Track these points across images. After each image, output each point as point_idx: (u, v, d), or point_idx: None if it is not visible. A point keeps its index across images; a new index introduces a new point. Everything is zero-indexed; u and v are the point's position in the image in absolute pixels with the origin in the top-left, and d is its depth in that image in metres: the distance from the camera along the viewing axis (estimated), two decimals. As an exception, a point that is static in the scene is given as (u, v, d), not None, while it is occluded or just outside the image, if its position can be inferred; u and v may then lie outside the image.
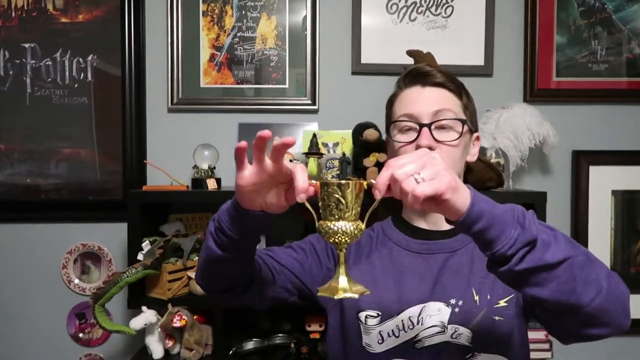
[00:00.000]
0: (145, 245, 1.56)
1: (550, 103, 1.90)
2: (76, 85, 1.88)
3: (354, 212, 0.68)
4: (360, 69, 1.87)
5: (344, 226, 0.68)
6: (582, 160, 1.91)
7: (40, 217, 1.88)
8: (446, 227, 1.04)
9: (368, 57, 1.87)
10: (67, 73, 1.88)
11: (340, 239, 0.68)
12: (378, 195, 0.65)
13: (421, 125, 0.99)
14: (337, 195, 0.67)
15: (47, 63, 1.88)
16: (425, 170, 0.64)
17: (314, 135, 1.67)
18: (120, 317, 1.87)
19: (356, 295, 0.68)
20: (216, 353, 1.60)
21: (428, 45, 1.79)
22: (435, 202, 0.66)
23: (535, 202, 1.58)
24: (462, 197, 0.67)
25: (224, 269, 0.86)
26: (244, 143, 0.67)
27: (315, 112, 1.87)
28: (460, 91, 1.05)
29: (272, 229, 0.80)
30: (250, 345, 1.60)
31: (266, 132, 0.64)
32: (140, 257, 1.55)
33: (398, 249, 1.04)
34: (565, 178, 1.93)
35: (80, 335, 1.90)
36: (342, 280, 0.69)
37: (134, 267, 1.50)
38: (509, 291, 0.94)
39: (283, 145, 0.65)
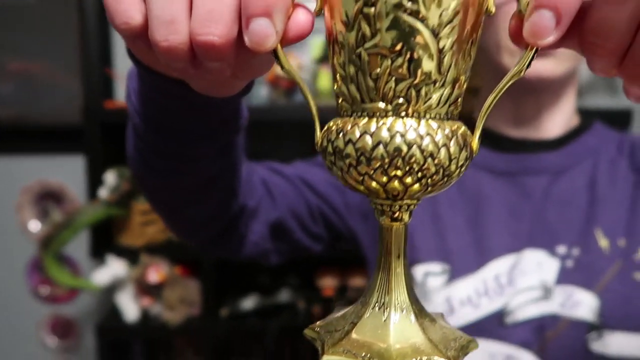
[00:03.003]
0: (109, 177, 1.20)
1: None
2: (18, -23, 1.46)
3: (450, 87, 0.24)
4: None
5: (419, 132, 0.23)
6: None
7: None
8: (549, 134, 0.66)
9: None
10: (5, -41, 1.45)
11: (396, 180, 0.24)
12: (548, 32, 0.22)
13: None
14: (405, 12, 0.22)
15: (-22, -54, 1.45)
16: None
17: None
18: (88, 267, 1.53)
19: None
20: (205, 313, 1.27)
21: None
22: None
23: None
24: None
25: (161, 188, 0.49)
26: None
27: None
28: None
29: (238, 129, 0.41)
30: (247, 303, 1.29)
31: None
32: (102, 193, 1.19)
33: (473, 170, 0.67)
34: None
35: (42, 290, 1.57)
36: (395, 321, 0.25)
37: (93, 206, 1.14)
38: None
39: None
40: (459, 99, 0.25)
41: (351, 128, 0.24)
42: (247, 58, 0.26)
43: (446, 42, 0.23)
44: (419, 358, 0.24)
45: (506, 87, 0.24)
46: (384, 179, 0.24)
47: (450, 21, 0.22)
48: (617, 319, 0.57)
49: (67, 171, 1.51)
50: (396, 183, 0.24)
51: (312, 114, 0.26)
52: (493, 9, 0.24)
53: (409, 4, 0.22)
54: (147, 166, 0.45)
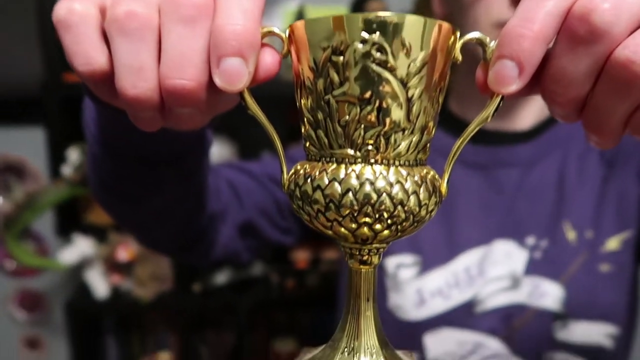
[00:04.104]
0: (72, 154, 1.15)
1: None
2: None
3: (418, 133, 0.24)
4: None
5: (389, 179, 0.23)
6: None
7: None
8: (522, 125, 0.66)
9: None
10: None
11: (366, 226, 0.23)
12: (511, 82, 0.22)
13: None
14: (374, 63, 0.21)
15: None
16: None
17: (300, 15, 1.29)
18: (53, 243, 1.49)
19: None
20: (177, 289, 1.27)
21: None
22: None
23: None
24: None
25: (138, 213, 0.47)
26: None
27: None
28: None
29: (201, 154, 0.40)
30: (220, 278, 1.28)
31: None
32: (66, 170, 1.15)
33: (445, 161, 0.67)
34: None
35: (8, 264, 1.53)
36: None
37: (57, 186, 1.10)
38: (624, 224, 0.60)
39: None
40: (428, 145, 0.24)
41: (319, 174, 0.23)
42: (215, 99, 0.25)
43: (415, 92, 0.22)
44: None
45: (473, 132, 0.24)
46: (353, 225, 0.23)
47: (419, 71, 0.22)
48: (581, 309, 0.59)
49: (27, 144, 1.45)
50: (365, 229, 0.23)
51: (279, 156, 0.25)
52: (460, 57, 0.23)
53: (377, 54, 0.21)
54: (111, 192, 0.43)
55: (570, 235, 0.61)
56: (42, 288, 1.54)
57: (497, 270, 0.61)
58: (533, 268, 0.60)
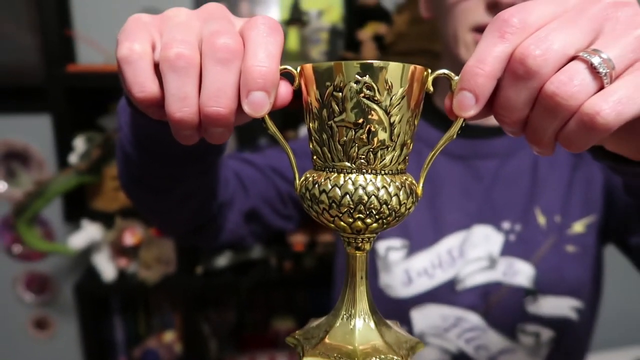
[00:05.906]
0: (79, 143, 1.21)
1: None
2: None
3: (399, 149, 0.30)
4: None
5: (376, 185, 0.29)
6: None
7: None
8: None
9: None
10: None
11: (359, 220, 0.30)
12: (470, 108, 0.28)
13: None
14: (365, 97, 0.28)
15: None
16: (610, 38, 0.27)
17: (295, 5, 1.34)
18: (61, 229, 1.55)
19: None
20: (181, 271, 1.34)
21: None
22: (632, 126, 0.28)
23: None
24: None
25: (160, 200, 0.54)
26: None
27: (293, -32, 1.44)
28: None
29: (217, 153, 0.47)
30: (221, 261, 1.35)
31: None
32: (72, 159, 1.21)
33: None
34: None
35: (15, 248, 1.59)
36: (359, 328, 0.31)
37: (65, 174, 1.16)
38: (589, 209, 0.67)
39: None
40: (407, 157, 0.31)
41: (324, 181, 0.30)
42: (241, 120, 0.32)
43: (396, 118, 0.29)
44: (378, 357, 0.31)
45: (442, 147, 0.31)
46: (350, 220, 0.30)
47: (399, 103, 0.29)
48: (549, 285, 0.66)
49: (31, 131, 1.49)
50: (359, 223, 0.30)
51: (292, 168, 0.32)
52: (431, 89, 0.30)
53: (367, 91, 0.28)
54: (139, 185, 0.49)
55: (541, 220, 0.68)
56: (48, 271, 1.60)
57: (476, 252, 0.68)
58: (508, 250, 0.67)
